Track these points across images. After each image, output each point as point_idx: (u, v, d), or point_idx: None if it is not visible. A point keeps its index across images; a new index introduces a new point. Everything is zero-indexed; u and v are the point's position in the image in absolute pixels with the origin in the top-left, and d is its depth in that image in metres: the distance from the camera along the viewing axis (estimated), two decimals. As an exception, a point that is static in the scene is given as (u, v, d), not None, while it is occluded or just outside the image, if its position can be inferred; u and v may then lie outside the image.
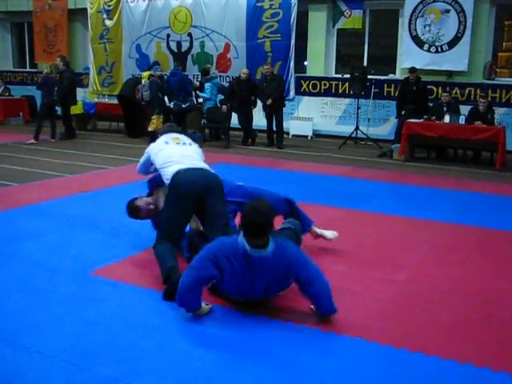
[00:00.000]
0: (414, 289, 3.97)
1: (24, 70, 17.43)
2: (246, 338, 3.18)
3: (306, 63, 13.33)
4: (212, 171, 4.19)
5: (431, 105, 10.80)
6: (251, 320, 3.40)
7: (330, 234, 4.79)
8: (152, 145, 4.52)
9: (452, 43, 11.36)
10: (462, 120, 9.59)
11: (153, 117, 11.35)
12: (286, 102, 11.88)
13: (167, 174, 4.08)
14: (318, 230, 4.80)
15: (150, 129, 11.41)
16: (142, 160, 4.65)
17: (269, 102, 11.04)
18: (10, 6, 16.53)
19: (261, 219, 3.21)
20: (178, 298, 3.32)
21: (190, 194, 3.94)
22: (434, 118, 9.82)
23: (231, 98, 11.47)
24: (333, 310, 3.35)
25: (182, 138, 4.55)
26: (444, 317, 3.51)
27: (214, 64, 13.45)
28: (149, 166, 4.57)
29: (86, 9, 15.12)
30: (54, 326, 3.28)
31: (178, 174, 4.00)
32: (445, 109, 10.06)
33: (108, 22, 14.87)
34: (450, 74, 11.57)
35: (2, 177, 7.77)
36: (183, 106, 11.62)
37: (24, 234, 5.09)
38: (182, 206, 3.98)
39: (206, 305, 3.43)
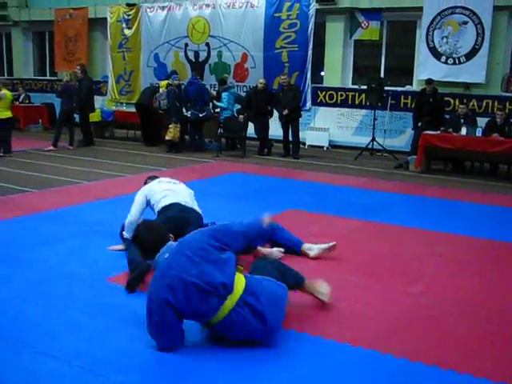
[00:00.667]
0: (429, 301, 3.96)
1: (44, 77, 17.68)
2: (259, 347, 3.18)
3: (322, 74, 13.37)
4: (193, 207, 4.96)
5: (448, 117, 10.77)
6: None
7: (317, 248, 4.84)
8: (144, 188, 5.10)
9: (469, 55, 11.34)
10: (479, 132, 9.55)
11: (170, 125, 11.43)
12: (303, 113, 11.90)
13: (160, 205, 4.84)
14: (307, 246, 4.85)
15: (167, 137, 11.51)
16: (136, 208, 4.90)
17: (285, 112, 11.08)
18: (32, 16, 16.83)
19: (155, 236, 3.46)
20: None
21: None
22: (450, 129, 9.78)
23: (248, 107, 11.53)
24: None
25: (171, 179, 5.27)
26: (459, 330, 3.50)
27: (232, 74, 13.53)
28: (144, 209, 4.98)
29: (105, 18, 15.33)
30: (71, 331, 3.31)
31: (169, 205, 4.81)
32: (462, 121, 10.03)
33: (127, 32, 15.04)
34: (467, 85, 11.54)
35: (21, 183, 7.87)
36: (200, 115, 11.71)
37: (42, 240, 5.15)
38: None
39: None
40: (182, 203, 4.86)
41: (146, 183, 5.25)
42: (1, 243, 5.03)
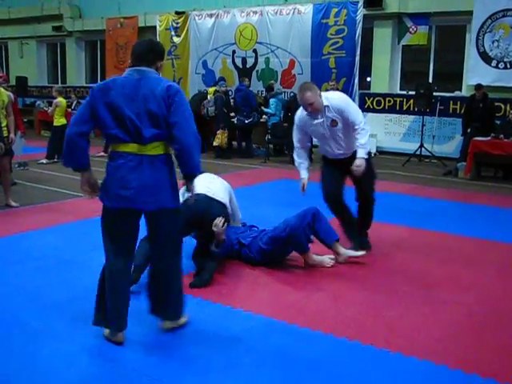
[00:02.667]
0: (483, 311, 3.90)
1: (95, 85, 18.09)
2: (307, 357, 3.20)
3: (368, 79, 13.30)
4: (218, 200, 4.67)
5: (499, 122, 10.55)
6: (321, 337, 3.42)
7: (352, 253, 4.84)
8: None
9: (522, 59, 11.10)
10: (531, 138, 9.34)
11: (218, 132, 11.56)
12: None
13: None
14: (342, 250, 4.82)
15: (214, 143, 11.64)
16: None
17: None
18: (85, 26, 17.35)
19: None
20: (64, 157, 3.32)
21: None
22: (501, 136, 9.59)
23: (288, 115, 11.41)
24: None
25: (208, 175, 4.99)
26: (515, 342, 3.44)
27: (279, 80, 13.59)
28: None
29: (155, 26, 15.63)
30: (126, 336, 3.37)
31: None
32: (513, 127, 9.82)
33: (176, 39, 15.30)
34: (519, 90, 11.30)
35: (75, 188, 8.06)
36: (246, 121, 11.79)
37: (96, 244, 5.22)
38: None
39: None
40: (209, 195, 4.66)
41: None
42: (56, 247, 5.21)
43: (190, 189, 3.33)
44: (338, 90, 11.32)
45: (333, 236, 4.80)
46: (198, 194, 4.38)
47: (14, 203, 6.87)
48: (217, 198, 4.70)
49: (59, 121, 10.53)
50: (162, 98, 3.09)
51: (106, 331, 3.33)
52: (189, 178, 3.27)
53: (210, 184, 4.85)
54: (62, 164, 3.35)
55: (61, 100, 10.58)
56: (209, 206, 4.57)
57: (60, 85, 16.42)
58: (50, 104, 10.97)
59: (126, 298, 3.33)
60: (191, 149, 3.15)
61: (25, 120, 14.62)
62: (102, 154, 11.67)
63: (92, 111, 3.14)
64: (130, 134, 3.11)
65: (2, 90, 6.93)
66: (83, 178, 3.33)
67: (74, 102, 15.58)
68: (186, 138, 3.12)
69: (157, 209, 3.21)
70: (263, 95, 13.16)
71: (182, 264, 3.48)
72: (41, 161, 10.42)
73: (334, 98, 4.84)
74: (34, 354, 3.16)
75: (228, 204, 4.83)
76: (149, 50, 3.25)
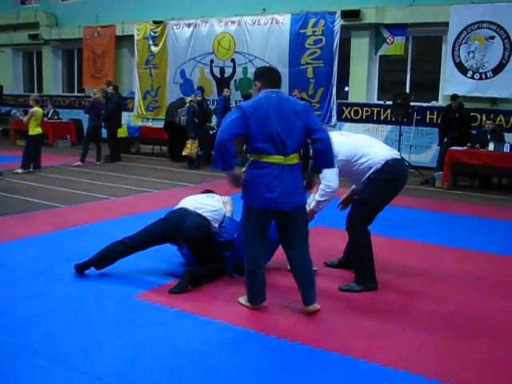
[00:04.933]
0: (459, 321, 3.91)
1: (72, 94, 18.01)
2: (290, 369, 3.18)
3: (346, 89, 13.38)
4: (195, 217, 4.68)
5: (475, 132, 10.68)
6: (298, 348, 3.40)
7: None
8: None
9: (497, 70, 11.25)
10: (506, 148, 9.47)
11: (187, 141, 11.44)
12: (328, 128, 11.80)
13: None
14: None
15: (183, 153, 11.53)
16: None
17: None
18: (62, 34, 17.23)
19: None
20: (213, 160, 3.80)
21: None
22: (477, 145, 9.71)
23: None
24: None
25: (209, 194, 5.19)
26: (492, 352, 3.44)
27: (257, 90, 13.59)
28: None
29: (132, 35, 15.59)
30: (101, 348, 3.34)
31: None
32: (489, 136, 9.95)
33: (154, 48, 15.26)
34: (494, 101, 11.44)
35: (51, 198, 7.99)
36: (211, 132, 11.72)
37: (71, 256, 5.18)
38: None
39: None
40: (189, 209, 4.76)
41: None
42: (31, 259, 5.11)
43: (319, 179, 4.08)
44: (302, 98, 11.25)
45: None
46: (180, 208, 4.73)
47: (-13, 214, 6.75)
48: (197, 212, 4.72)
49: (34, 130, 10.39)
50: (302, 113, 3.78)
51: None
52: (320, 172, 4.07)
53: (201, 200, 4.94)
54: (212, 168, 3.91)
55: (37, 109, 10.46)
56: (182, 218, 4.64)
57: (36, 93, 16.28)
58: (26, 113, 10.81)
59: (263, 277, 3.98)
60: (331, 146, 3.82)
61: (0, 129, 14.40)
62: (79, 163, 11.57)
63: (244, 125, 3.70)
64: (277, 147, 3.71)
65: None
66: (232, 175, 3.80)
67: (51, 111, 15.45)
68: (327, 140, 3.79)
69: (294, 207, 3.81)
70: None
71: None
72: (16, 170, 10.27)
73: None
74: (10, 369, 3.08)
75: (214, 218, 4.82)
76: (279, 76, 4.05)
